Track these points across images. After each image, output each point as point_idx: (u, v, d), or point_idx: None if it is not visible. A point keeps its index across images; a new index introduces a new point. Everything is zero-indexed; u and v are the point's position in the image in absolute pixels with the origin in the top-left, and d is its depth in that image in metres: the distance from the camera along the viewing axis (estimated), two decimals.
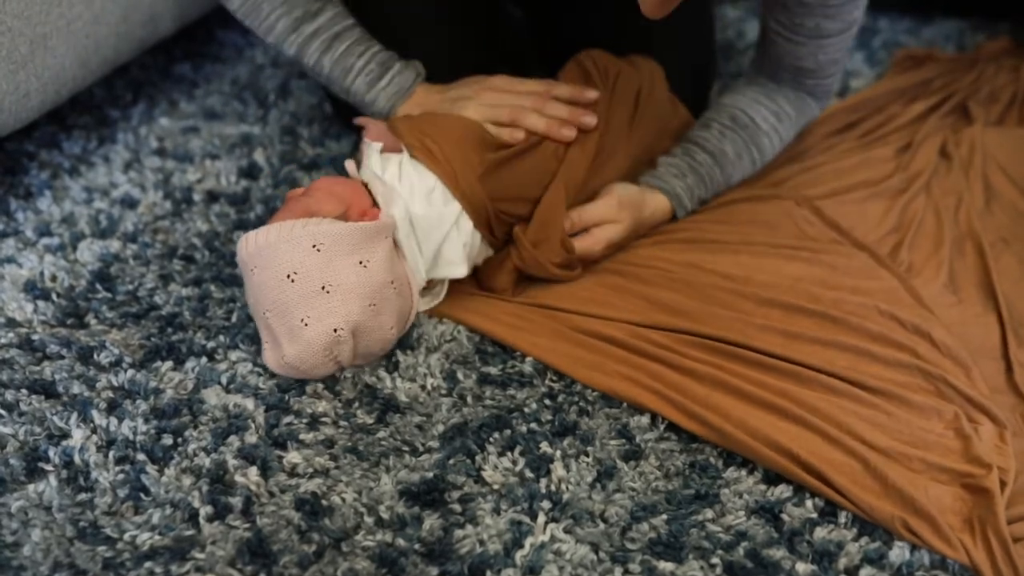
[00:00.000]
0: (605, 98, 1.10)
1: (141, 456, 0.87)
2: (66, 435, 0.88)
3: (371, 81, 1.11)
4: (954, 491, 0.83)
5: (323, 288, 0.88)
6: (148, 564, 0.78)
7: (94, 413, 0.90)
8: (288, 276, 0.88)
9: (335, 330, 0.89)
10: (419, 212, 0.97)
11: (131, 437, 0.88)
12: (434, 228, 0.98)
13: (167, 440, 0.88)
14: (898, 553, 0.80)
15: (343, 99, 1.16)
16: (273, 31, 1.12)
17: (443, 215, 0.98)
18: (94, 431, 0.89)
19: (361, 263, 0.90)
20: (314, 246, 0.89)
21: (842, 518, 0.83)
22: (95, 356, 0.97)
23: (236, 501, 0.83)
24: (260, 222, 1.16)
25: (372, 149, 1.00)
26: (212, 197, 1.21)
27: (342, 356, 0.91)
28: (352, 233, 0.90)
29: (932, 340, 0.95)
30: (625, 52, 1.17)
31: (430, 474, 0.86)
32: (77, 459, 0.86)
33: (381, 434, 0.90)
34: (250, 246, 0.90)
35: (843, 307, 1.00)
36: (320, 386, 0.95)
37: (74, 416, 0.90)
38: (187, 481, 0.85)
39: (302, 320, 0.88)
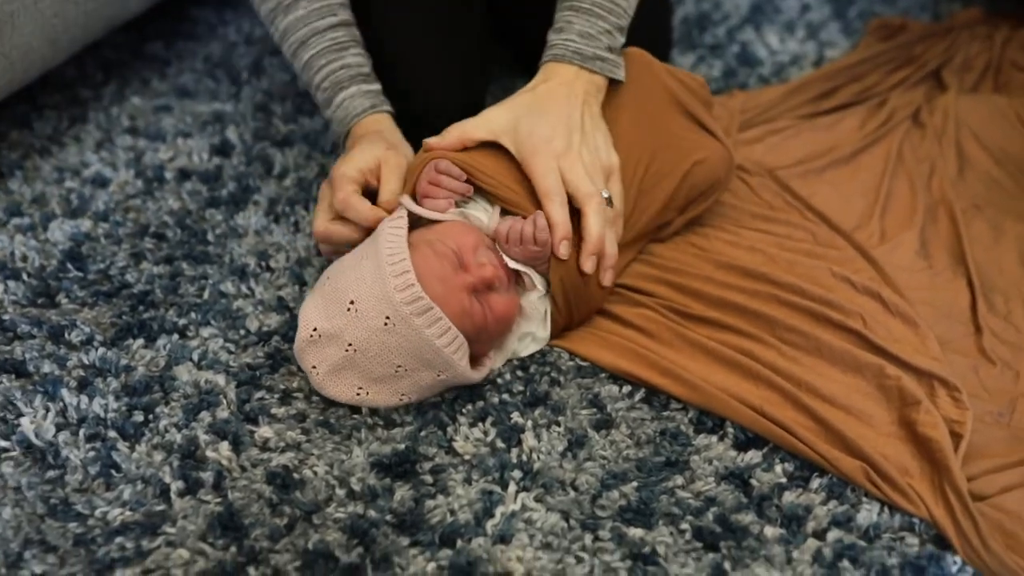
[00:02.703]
0: None
1: (112, 433, 0.87)
2: (36, 414, 0.88)
3: (327, 101, 1.06)
4: (910, 449, 0.84)
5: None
6: (119, 539, 0.78)
7: (64, 392, 0.90)
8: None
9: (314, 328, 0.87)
10: (540, 336, 0.96)
11: (102, 415, 0.88)
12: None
13: (138, 417, 0.88)
14: (865, 516, 0.80)
15: None
16: (261, 16, 1.07)
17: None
18: (64, 409, 0.89)
19: (439, 374, 0.88)
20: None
21: (812, 483, 0.84)
22: (66, 335, 0.97)
23: (207, 476, 0.83)
24: (232, 199, 1.16)
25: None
26: (184, 175, 1.21)
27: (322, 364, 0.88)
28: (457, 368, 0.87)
29: (882, 299, 0.98)
30: None
31: (401, 446, 0.87)
32: (47, 437, 0.86)
33: (355, 408, 0.90)
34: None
35: (796, 269, 1.01)
36: (294, 366, 0.95)
37: (44, 395, 0.90)
38: (158, 457, 0.85)
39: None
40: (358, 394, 0.87)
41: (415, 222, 0.94)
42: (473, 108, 1.08)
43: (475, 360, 0.90)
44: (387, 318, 0.84)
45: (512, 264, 0.92)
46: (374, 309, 0.84)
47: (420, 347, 0.84)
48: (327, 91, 1.05)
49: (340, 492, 0.83)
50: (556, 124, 0.95)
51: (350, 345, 0.85)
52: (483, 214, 0.95)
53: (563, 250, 0.92)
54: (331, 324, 0.85)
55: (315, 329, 0.86)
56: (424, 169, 0.95)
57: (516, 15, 1.33)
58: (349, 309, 0.85)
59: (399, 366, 0.85)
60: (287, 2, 1.04)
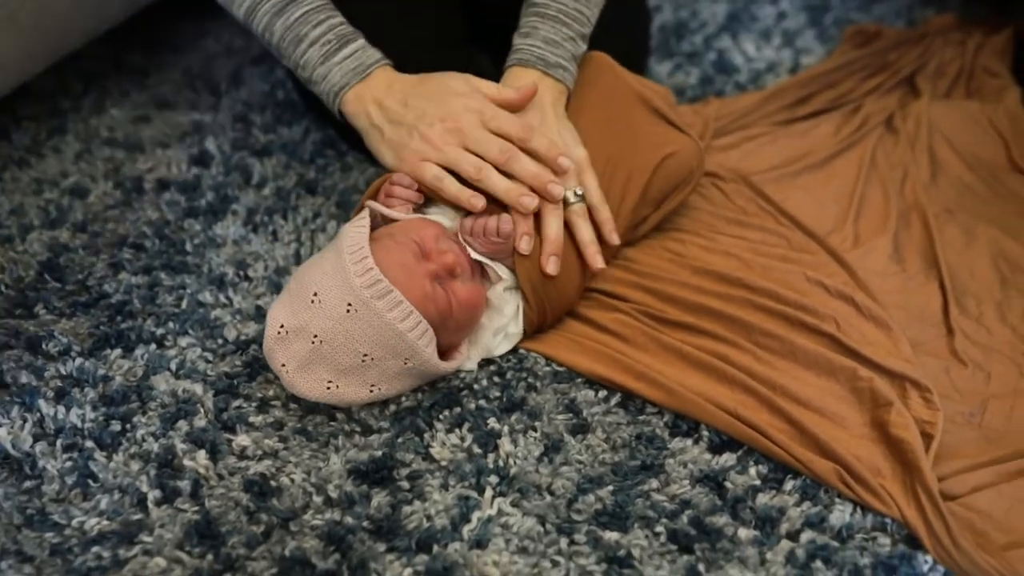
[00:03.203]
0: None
1: (89, 443, 0.87)
2: (13, 424, 0.88)
3: (327, 53, 1.01)
4: (882, 450, 0.85)
5: (364, 357, 0.87)
6: (96, 549, 0.78)
7: (41, 402, 0.90)
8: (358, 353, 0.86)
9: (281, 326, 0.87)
10: (513, 331, 0.97)
11: (79, 425, 0.89)
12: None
13: (115, 427, 0.89)
14: (838, 516, 0.81)
15: (294, 75, 1.06)
16: None
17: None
18: (42, 420, 0.89)
19: (406, 361, 0.88)
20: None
21: (786, 485, 0.84)
22: (43, 345, 0.97)
23: (184, 484, 0.84)
24: (211, 209, 1.17)
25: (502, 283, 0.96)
26: (163, 185, 1.21)
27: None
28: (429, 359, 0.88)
29: (855, 303, 0.98)
30: None
31: (379, 452, 0.87)
32: (24, 448, 0.86)
33: (332, 415, 0.91)
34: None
35: (771, 274, 1.03)
36: (271, 374, 0.95)
37: (21, 405, 0.90)
38: (135, 466, 0.85)
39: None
40: (328, 388, 0.87)
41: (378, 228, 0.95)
42: None
43: (447, 352, 0.91)
44: (349, 304, 0.85)
45: (475, 255, 0.93)
46: (336, 297, 0.85)
47: (383, 332, 0.85)
48: (330, 43, 1.01)
49: (317, 499, 0.83)
50: None
51: (316, 337, 0.85)
52: (445, 218, 0.97)
53: (524, 245, 0.94)
54: (296, 319, 0.86)
55: (282, 326, 0.86)
56: (384, 184, 0.98)
57: (495, 18, 1.33)
58: (313, 301, 0.85)
59: (365, 354, 0.86)
60: None
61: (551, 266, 0.95)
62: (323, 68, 1.02)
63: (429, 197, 0.98)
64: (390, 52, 1.05)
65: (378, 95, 1.00)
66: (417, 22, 1.17)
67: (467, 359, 0.94)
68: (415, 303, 0.86)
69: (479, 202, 0.93)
